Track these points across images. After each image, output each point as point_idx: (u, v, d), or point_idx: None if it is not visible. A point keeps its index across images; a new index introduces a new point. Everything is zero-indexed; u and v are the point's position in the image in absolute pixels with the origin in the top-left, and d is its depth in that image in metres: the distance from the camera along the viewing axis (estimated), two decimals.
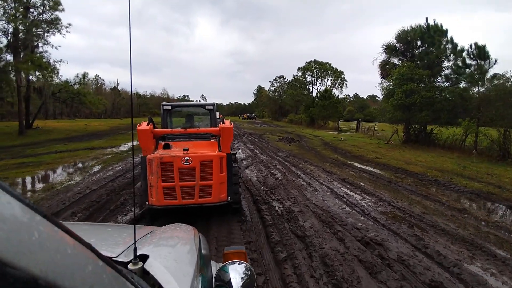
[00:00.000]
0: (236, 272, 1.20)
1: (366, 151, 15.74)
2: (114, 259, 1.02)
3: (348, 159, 13.23)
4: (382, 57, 21.96)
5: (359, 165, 11.54)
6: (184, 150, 4.47)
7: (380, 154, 14.73)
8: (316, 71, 44.23)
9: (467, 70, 16.18)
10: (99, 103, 27.47)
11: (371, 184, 8.19)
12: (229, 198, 4.78)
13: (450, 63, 17.67)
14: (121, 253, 1.06)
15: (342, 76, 43.37)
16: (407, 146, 18.47)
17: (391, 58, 21.39)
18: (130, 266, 0.97)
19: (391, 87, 17.62)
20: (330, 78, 44.12)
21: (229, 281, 1.15)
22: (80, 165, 10.51)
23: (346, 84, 43.56)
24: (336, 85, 43.27)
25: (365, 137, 26.47)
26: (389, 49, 20.76)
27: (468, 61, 15.47)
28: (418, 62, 18.96)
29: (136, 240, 1.05)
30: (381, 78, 21.85)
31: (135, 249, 0.98)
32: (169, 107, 5.82)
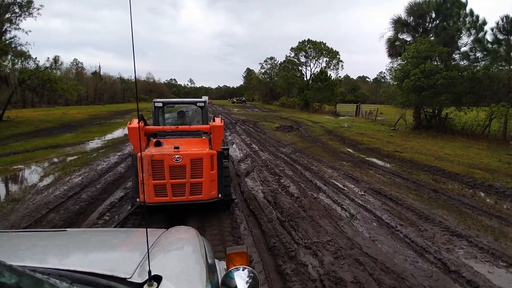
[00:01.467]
0: (241, 278, 1.24)
1: (379, 141, 13.66)
2: (129, 280, 1.04)
3: (363, 153, 11.12)
4: (389, 33, 19.63)
5: (381, 163, 9.45)
6: (175, 148, 4.46)
7: (397, 145, 12.68)
8: (310, 51, 41.47)
9: (492, 46, 14.02)
10: (73, 90, 24.41)
11: (417, 198, 6.09)
12: (220, 195, 4.78)
13: (470, 39, 15.48)
14: (134, 272, 1.09)
15: (338, 56, 40.83)
16: (420, 133, 16.48)
17: (400, 34, 19.06)
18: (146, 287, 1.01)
19: (405, 66, 15.38)
20: (325, 59, 41.52)
21: (235, 287, 1.20)
22: (27, 175, 8.06)
23: (342, 65, 41.08)
24: (332, 66, 40.76)
25: (367, 122, 24.44)
26: (399, 24, 18.41)
27: (500, 36, 13.28)
28: (432, 38, 16.71)
29: (144, 255, 1.19)
30: (389, 57, 19.61)
31: (149, 272, 1.01)
32: (160, 104, 5.73)
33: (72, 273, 1.01)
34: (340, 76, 44.79)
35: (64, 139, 14.12)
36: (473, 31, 15.14)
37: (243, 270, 1.29)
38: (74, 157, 9.95)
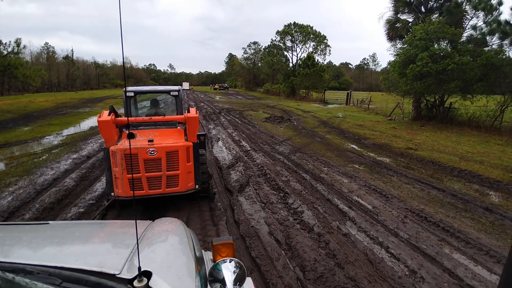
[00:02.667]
0: (228, 270, 1.24)
1: (383, 135, 12.06)
2: (118, 276, 1.02)
3: (372, 151, 9.46)
4: (389, 13, 17.87)
5: (399, 166, 7.79)
6: (149, 141, 4.30)
7: (405, 140, 11.12)
8: (297, 35, 39.29)
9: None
10: (36, 76, 21.48)
11: (478, 226, 4.42)
12: (197, 186, 4.71)
13: (479, 21, 13.93)
14: (122, 267, 1.07)
15: (325, 41, 38.88)
16: (423, 124, 15.03)
17: (400, 14, 17.33)
18: (136, 283, 0.98)
19: (410, 50, 13.71)
20: (312, 44, 39.50)
21: (223, 278, 1.20)
22: None
23: (330, 50, 39.24)
24: (319, 51, 38.82)
25: (359, 111, 22.94)
26: (400, 2, 16.64)
27: None
28: (437, 19, 15.05)
29: (132, 249, 1.19)
30: (389, 40, 17.87)
31: (139, 268, 1.00)
32: (132, 93, 5.41)
33: (61, 270, 0.98)
34: (327, 62, 42.96)
35: (16, 135, 11.70)
36: (485, 11, 13.56)
37: (230, 262, 1.28)
38: (16, 162, 7.72)
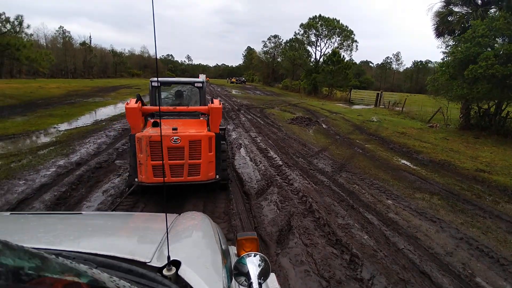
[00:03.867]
0: (253, 264, 1.23)
1: (438, 148, 9.96)
2: (149, 264, 1.06)
3: (434, 172, 7.42)
4: (439, 4, 15.54)
5: (483, 201, 5.76)
6: (173, 129, 4.34)
7: (468, 157, 9.03)
8: (322, 29, 36.82)
9: None
10: (42, 60, 20.08)
11: None
12: (217, 176, 4.75)
13: None
14: (153, 256, 1.11)
15: (352, 36, 36.30)
16: (477, 136, 12.78)
17: (452, 5, 14.94)
18: (165, 272, 1.02)
19: (470, 48, 11.44)
20: (337, 39, 36.98)
21: (247, 272, 1.20)
22: None
23: (357, 46, 36.59)
24: (345, 47, 36.27)
25: (392, 114, 20.65)
26: None
27: None
28: (497, 13, 12.66)
29: (161, 240, 1.23)
30: (437, 37, 15.52)
31: (168, 257, 1.03)
32: (157, 84, 5.40)
33: (95, 256, 1.02)
34: (353, 59, 40.32)
35: (5, 127, 10.17)
36: None
37: (254, 256, 1.27)
38: None
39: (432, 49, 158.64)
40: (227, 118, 13.96)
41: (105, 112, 15.17)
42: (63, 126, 10.93)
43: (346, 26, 36.23)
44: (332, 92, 34.18)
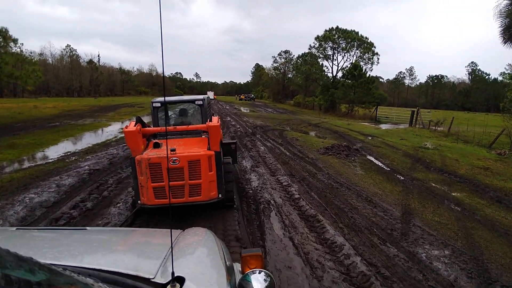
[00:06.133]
0: (257, 281, 1.22)
1: None
2: (153, 280, 1.06)
3: None
4: (505, 1, 12.22)
5: None
6: (171, 150, 4.34)
7: None
8: (340, 41, 33.81)
9: None
10: (28, 77, 17.29)
11: None
12: (220, 195, 4.65)
13: None
14: (157, 272, 1.11)
15: (373, 48, 33.17)
16: None
17: None
18: None
19: None
20: (356, 51, 33.85)
21: None
22: None
23: (378, 59, 33.35)
24: (366, 60, 33.07)
25: (438, 136, 17.06)
26: None
27: None
28: None
29: (165, 256, 1.23)
30: (504, 42, 12.18)
31: (173, 273, 1.04)
32: (159, 104, 5.42)
33: (99, 272, 1.03)
34: (374, 75, 36.90)
35: None
36: None
37: (259, 273, 1.27)
38: None
39: (446, 64, 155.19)
40: (242, 148, 10.63)
41: (85, 139, 12.04)
42: (14, 165, 7.75)
43: (366, 38, 33.19)
44: (353, 109, 30.78)
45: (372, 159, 10.29)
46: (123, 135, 13.96)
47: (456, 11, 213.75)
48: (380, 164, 9.56)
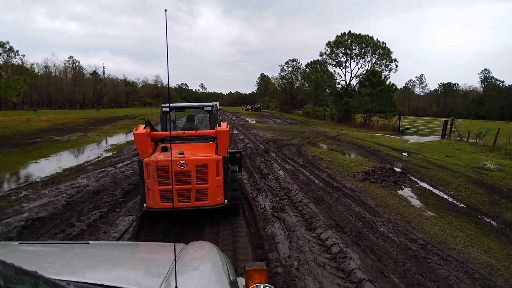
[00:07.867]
0: None
1: None
2: None
3: None
4: None
5: None
6: (180, 153, 4.30)
7: None
8: (354, 46, 31.45)
9: None
10: (8, 88, 15.16)
11: None
12: (226, 201, 4.59)
13: None
14: (160, 287, 1.06)
15: (390, 55, 30.72)
16: None
17: None
18: None
19: None
20: (371, 58, 31.44)
21: None
22: None
23: (397, 66, 30.81)
24: (383, 67, 30.62)
25: (482, 150, 14.36)
26: None
27: None
28: None
29: (168, 271, 1.16)
30: None
31: None
32: (168, 109, 5.39)
33: (101, 287, 0.99)
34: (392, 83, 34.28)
35: None
36: None
37: (264, 287, 1.24)
38: None
39: (456, 71, 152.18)
40: (254, 173, 8.14)
41: (58, 162, 9.66)
42: None
43: (383, 43, 30.81)
44: (370, 119, 28.18)
45: (428, 186, 7.73)
46: (108, 154, 11.79)
47: (460, 19, 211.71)
48: (444, 196, 6.99)
